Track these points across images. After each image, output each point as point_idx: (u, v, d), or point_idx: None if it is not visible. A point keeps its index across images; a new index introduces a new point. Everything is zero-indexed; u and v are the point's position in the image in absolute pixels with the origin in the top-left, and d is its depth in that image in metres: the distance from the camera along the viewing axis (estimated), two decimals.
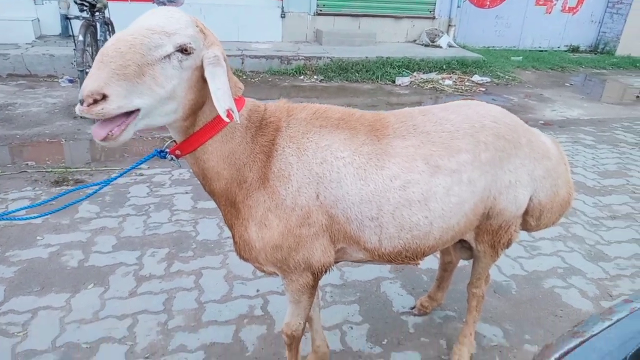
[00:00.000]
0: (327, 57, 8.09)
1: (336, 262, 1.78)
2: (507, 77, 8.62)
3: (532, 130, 1.91)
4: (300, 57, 8.00)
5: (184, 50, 1.28)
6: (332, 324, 2.44)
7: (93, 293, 2.58)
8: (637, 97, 8.19)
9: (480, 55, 9.22)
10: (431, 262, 2.93)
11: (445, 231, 1.73)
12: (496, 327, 2.48)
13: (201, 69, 1.35)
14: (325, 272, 1.73)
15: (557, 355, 0.83)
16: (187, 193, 3.74)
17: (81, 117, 1.28)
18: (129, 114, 1.24)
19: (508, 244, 1.96)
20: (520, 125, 1.84)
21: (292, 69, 7.88)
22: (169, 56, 1.26)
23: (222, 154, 1.51)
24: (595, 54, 11.91)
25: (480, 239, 1.94)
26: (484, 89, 7.84)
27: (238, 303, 2.57)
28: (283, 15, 9.00)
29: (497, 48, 11.10)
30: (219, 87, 1.32)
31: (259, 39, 8.82)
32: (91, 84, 1.16)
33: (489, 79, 8.34)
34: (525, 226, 1.99)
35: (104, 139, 1.22)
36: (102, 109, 1.17)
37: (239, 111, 1.47)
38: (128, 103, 1.21)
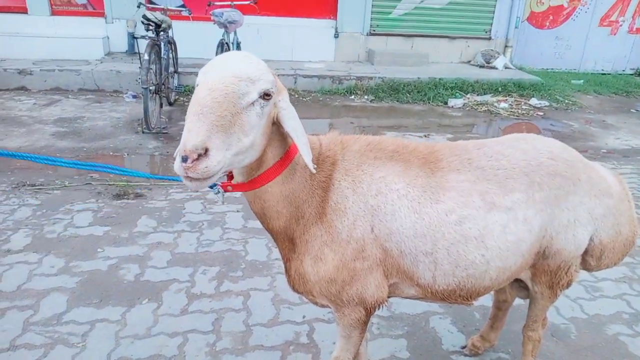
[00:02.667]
0: (379, 77, 8.09)
1: (388, 297, 1.76)
2: (566, 101, 8.27)
3: (592, 165, 1.83)
4: (352, 77, 8.05)
5: (265, 95, 1.28)
6: (378, 358, 2.39)
7: (147, 308, 2.67)
8: None
9: (538, 78, 8.91)
10: (484, 299, 2.81)
11: (502, 271, 1.68)
12: None
13: (271, 114, 1.37)
14: (378, 307, 1.71)
15: None
16: (238, 212, 3.82)
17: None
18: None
19: (568, 285, 1.88)
20: (579, 160, 1.77)
21: (343, 89, 7.94)
22: (253, 103, 1.26)
23: (283, 194, 1.52)
24: None
25: (537, 279, 1.86)
26: (542, 113, 7.55)
27: (284, 328, 2.57)
28: (336, 35, 9.12)
29: (557, 70, 10.69)
30: (303, 140, 1.38)
31: (312, 58, 8.96)
32: (194, 137, 1.13)
33: (547, 103, 8.03)
34: (585, 266, 1.90)
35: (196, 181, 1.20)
36: (206, 167, 1.14)
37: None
38: (225, 157, 1.19)
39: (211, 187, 1.51)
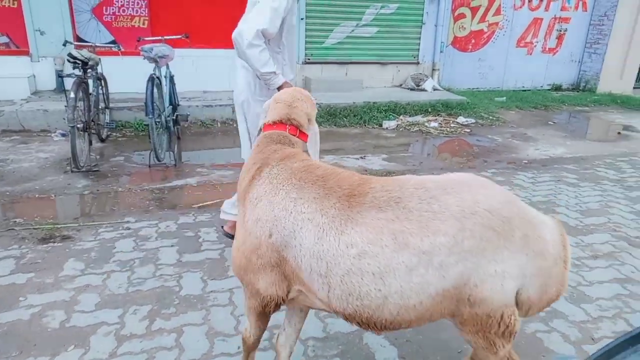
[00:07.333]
0: (316, 103, 8.27)
1: (296, 302, 1.90)
2: (491, 117, 8.83)
3: (533, 225, 1.75)
4: None
5: None
6: None
7: (73, 355, 2.55)
8: (619, 133, 8.38)
9: (464, 98, 9.48)
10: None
11: (404, 309, 1.65)
12: None
13: None
14: (276, 306, 1.86)
15: None
16: (172, 246, 3.76)
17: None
18: None
19: (505, 334, 1.76)
20: (519, 218, 1.69)
21: None
22: None
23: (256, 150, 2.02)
24: (578, 91, 12.24)
25: (465, 328, 1.78)
26: (468, 130, 8.01)
27: None
28: None
29: (482, 89, 11.42)
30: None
31: None
32: None
33: (473, 120, 8.54)
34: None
35: None
36: None
37: (263, 131, 2.10)
38: None
39: None
